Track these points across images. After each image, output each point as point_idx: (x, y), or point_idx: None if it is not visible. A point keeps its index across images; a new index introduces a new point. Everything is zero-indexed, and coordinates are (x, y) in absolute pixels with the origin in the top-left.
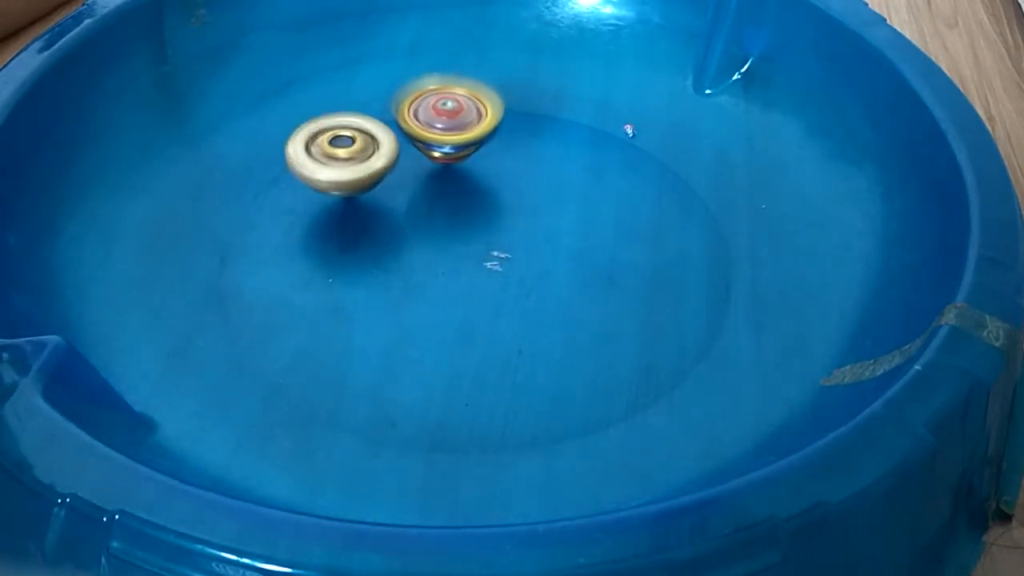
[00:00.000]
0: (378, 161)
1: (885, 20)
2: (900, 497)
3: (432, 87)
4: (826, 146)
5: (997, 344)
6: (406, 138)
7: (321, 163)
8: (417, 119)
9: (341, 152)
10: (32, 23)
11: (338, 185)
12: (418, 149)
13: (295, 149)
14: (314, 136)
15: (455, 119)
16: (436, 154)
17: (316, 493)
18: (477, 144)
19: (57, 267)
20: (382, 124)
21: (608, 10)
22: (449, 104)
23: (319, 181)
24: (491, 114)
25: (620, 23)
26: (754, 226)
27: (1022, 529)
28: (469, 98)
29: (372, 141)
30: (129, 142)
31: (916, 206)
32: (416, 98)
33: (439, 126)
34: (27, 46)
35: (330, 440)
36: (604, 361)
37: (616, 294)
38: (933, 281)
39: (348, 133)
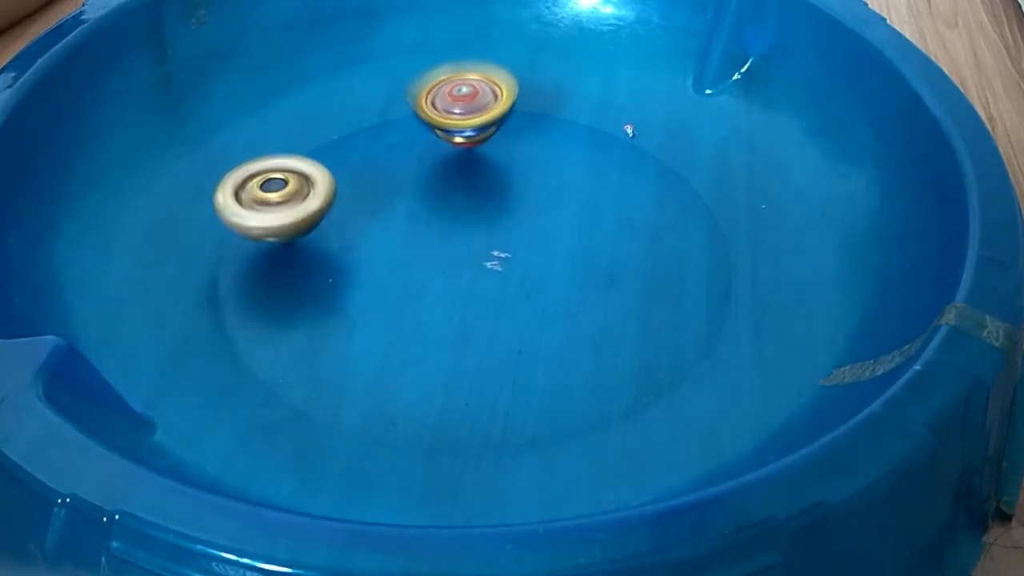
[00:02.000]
0: (313, 202)
1: (885, 20)
2: (900, 497)
3: (444, 77)
4: (826, 146)
5: (997, 344)
6: (428, 128)
7: (253, 209)
8: (435, 108)
9: (273, 196)
10: (29, 16)
11: (272, 231)
12: (439, 137)
13: (224, 196)
14: (244, 181)
15: (472, 102)
16: (458, 139)
17: (316, 493)
18: (497, 124)
19: (57, 267)
20: (316, 163)
21: (608, 10)
22: (464, 89)
23: (251, 228)
24: (506, 93)
25: (620, 23)
26: (754, 226)
27: (1022, 529)
28: (483, 81)
29: (306, 181)
30: (129, 142)
31: (916, 206)
32: (431, 88)
33: (457, 111)
34: (27, 46)
35: (330, 440)
36: (604, 361)
37: (616, 294)
38: (933, 281)
39: (280, 175)
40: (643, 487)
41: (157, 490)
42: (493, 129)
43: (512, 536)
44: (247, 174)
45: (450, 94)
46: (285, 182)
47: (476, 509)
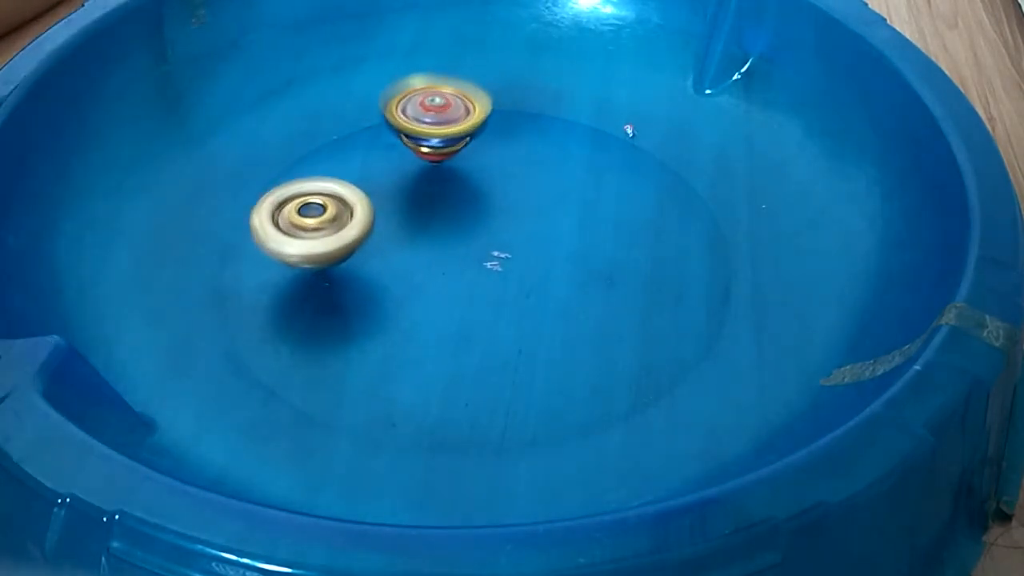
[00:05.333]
0: (352, 230)
1: (885, 20)
2: (900, 497)
3: (419, 86)
4: (826, 146)
5: (997, 344)
6: (395, 134)
7: (289, 234)
8: (405, 115)
9: (311, 221)
10: (30, 21)
11: (309, 258)
12: (406, 146)
13: (260, 220)
14: (281, 204)
15: (443, 114)
16: (424, 149)
17: (316, 493)
18: (465, 139)
19: (57, 267)
20: (355, 188)
21: (608, 10)
22: (437, 100)
23: (288, 255)
24: (478, 110)
25: (620, 23)
26: (754, 226)
27: (1022, 529)
28: (456, 95)
29: (344, 207)
30: (129, 142)
31: (916, 206)
32: (404, 96)
33: (427, 121)
34: (27, 46)
35: (330, 440)
36: (604, 361)
37: (616, 294)
38: (933, 281)
39: (318, 200)
40: (643, 487)
41: (157, 490)
42: (461, 144)
43: (512, 536)
44: (285, 196)
45: (422, 103)
46: (323, 208)
47: (476, 509)
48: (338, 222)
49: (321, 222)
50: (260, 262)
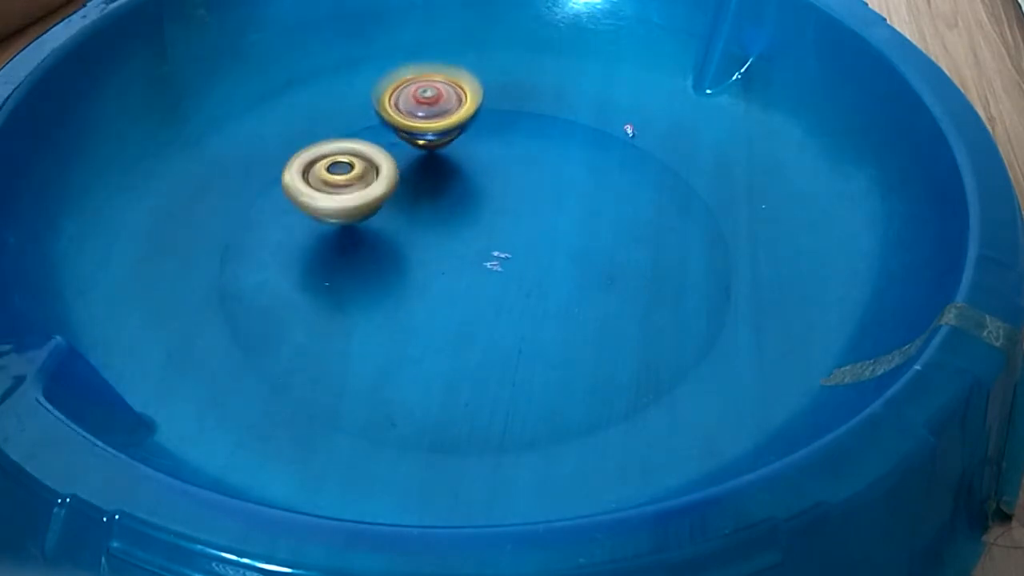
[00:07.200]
0: (378, 187)
1: (885, 20)
2: (900, 497)
3: (410, 76)
4: (826, 146)
5: (997, 344)
6: (389, 128)
7: (319, 190)
8: (398, 109)
9: (339, 179)
10: (32, 23)
11: (338, 212)
12: (401, 139)
13: (291, 176)
14: (311, 163)
15: (436, 106)
16: (420, 142)
17: (316, 493)
18: (460, 128)
19: (57, 267)
20: (381, 148)
21: (608, 10)
22: (428, 92)
23: (318, 208)
24: (471, 98)
25: (620, 23)
26: (754, 226)
27: (1022, 529)
28: (448, 84)
29: (371, 167)
30: (129, 142)
31: (916, 206)
32: (395, 89)
33: (421, 114)
34: (27, 46)
35: (330, 440)
36: (604, 361)
37: (616, 294)
38: (933, 281)
39: (346, 159)
40: (643, 487)
41: (157, 490)
42: (456, 133)
43: (512, 536)
44: (314, 156)
45: (414, 96)
46: (351, 166)
47: (476, 509)
48: (366, 179)
49: (350, 179)
50: (260, 262)
